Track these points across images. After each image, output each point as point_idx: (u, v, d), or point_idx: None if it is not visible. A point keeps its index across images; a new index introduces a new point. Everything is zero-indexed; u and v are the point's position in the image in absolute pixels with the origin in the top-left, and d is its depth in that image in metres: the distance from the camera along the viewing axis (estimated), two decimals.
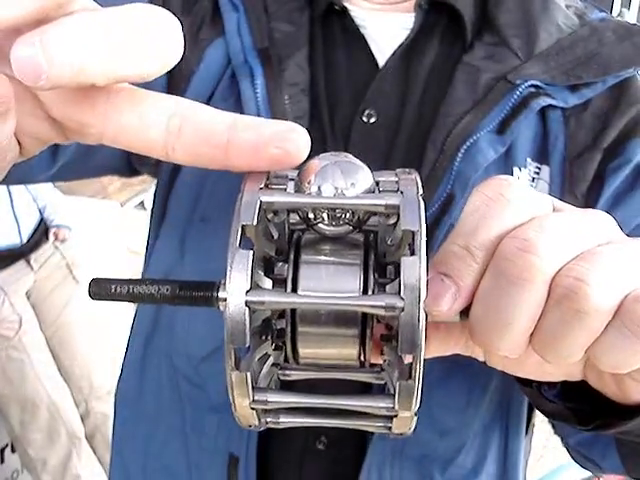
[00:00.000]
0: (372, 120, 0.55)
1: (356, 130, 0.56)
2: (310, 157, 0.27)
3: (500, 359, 0.35)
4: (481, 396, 0.56)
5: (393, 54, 0.56)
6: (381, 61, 0.57)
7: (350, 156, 0.27)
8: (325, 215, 0.27)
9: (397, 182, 0.27)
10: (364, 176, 0.27)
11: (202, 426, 0.59)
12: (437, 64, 0.56)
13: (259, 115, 0.54)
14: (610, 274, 0.26)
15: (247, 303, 0.25)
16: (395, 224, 0.27)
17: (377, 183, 0.28)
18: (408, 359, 0.26)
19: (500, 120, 0.52)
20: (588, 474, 1.49)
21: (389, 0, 0.57)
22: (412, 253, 0.25)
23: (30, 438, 1.66)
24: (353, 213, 0.27)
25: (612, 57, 0.53)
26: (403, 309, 0.24)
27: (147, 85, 0.27)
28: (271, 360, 0.30)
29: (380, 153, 0.56)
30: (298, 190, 0.27)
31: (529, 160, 0.53)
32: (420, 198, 0.26)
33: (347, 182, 0.26)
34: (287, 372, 0.31)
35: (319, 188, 0.26)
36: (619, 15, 2.48)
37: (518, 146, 0.53)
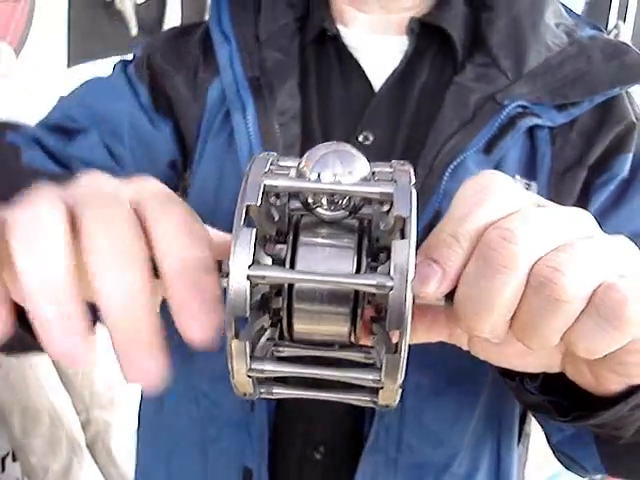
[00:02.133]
0: (368, 142, 0.57)
1: None
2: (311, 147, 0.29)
3: (482, 347, 0.36)
4: (471, 408, 0.57)
5: (389, 77, 0.58)
6: (376, 84, 0.58)
7: (348, 146, 0.29)
8: (324, 200, 0.29)
9: (392, 172, 0.29)
10: (361, 165, 0.29)
11: (220, 440, 0.60)
12: (429, 85, 0.58)
13: (250, 145, 0.56)
14: (585, 265, 0.27)
15: (249, 277, 0.26)
16: (388, 211, 0.29)
17: (373, 173, 0.29)
18: (395, 336, 0.27)
19: (487, 140, 0.53)
20: None
21: (382, 23, 0.59)
22: (403, 237, 0.27)
23: (32, 445, 1.67)
24: (350, 199, 0.29)
25: (599, 76, 0.54)
26: (392, 288, 0.26)
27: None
28: (268, 333, 0.31)
29: None
30: (300, 176, 0.29)
31: (518, 177, 0.54)
32: (412, 188, 0.28)
33: (345, 170, 0.28)
34: (280, 348, 0.33)
35: (319, 175, 0.28)
36: (615, 27, 2.50)
37: (506, 165, 0.54)
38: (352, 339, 0.31)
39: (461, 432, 0.57)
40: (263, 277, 0.26)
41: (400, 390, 0.28)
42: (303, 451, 0.59)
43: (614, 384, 0.34)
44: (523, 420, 0.62)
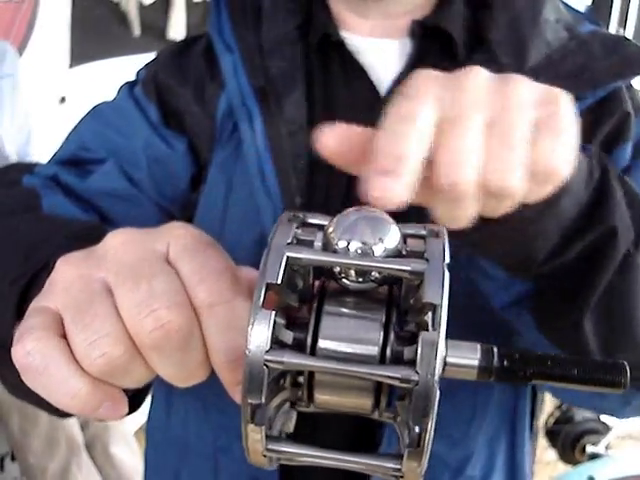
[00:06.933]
0: None
1: None
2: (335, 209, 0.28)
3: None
4: (484, 408, 0.58)
5: (394, 82, 0.58)
6: (381, 88, 0.59)
7: (379, 211, 0.28)
8: (352, 272, 0.28)
9: (425, 240, 0.28)
10: (392, 231, 0.27)
11: (231, 450, 0.61)
12: None
13: (258, 155, 0.56)
14: None
15: (265, 362, 0.25)
16: (419, 285, 0.27)
17: (404, 238, 0.28)
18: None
19: None
20: None
21: (383, 27, 0.59)
22: (432, 322, 0.26)
23: (30, 445, 1.67)
24: (379, 272, 0.28)
25: (600, 70, 0.55)
26: (417, 383, 0.25)
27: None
28: (287, 405, 0.31)
29: None
30: (326, 243, 0.27)
31: None
32: (445, 268, 0.26)
33: (375, 237, 0.27)
34: (302, 403, 0.31)
35: (347, 244, 0.27)
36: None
37: None
38: (375, 412, 0.30)
39: (475, 432, 0.58)
40: (281, 362, 0.25)
41: (422, 476, 0.28)
42: None
43: None
44: (532, 416, 0.63)
